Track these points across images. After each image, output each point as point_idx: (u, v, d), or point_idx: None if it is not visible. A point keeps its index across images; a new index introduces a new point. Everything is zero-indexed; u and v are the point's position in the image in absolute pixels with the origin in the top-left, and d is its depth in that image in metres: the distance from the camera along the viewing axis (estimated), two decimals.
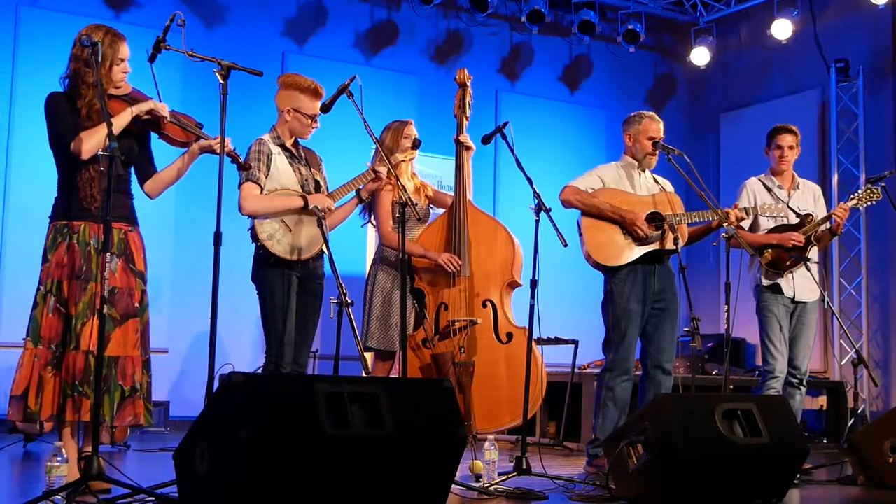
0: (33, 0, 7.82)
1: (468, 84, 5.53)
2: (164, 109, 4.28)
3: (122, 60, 4.25)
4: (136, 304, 4.25)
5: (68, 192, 4.23)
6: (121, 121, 4.18)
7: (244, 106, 6.96)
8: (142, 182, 4.44)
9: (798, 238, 5.72)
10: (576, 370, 7.49)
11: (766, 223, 5.85)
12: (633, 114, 5.62)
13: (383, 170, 4.98)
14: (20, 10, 7.75)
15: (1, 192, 7.59)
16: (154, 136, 4.43)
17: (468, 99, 5.52)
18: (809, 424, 8.65)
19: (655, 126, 5.53)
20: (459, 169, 5.46)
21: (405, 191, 4.85)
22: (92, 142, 4.10)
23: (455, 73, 5.59)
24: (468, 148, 5.47)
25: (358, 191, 5.03)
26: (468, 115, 5.52)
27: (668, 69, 10.94)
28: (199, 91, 6.80)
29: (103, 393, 4.05)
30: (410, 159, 5.40)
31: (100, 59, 4.04)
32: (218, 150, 4.16)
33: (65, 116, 4.18)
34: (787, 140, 5.94)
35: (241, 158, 4.45)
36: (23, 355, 4.15)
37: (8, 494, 4.49)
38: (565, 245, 4.88)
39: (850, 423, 7.74)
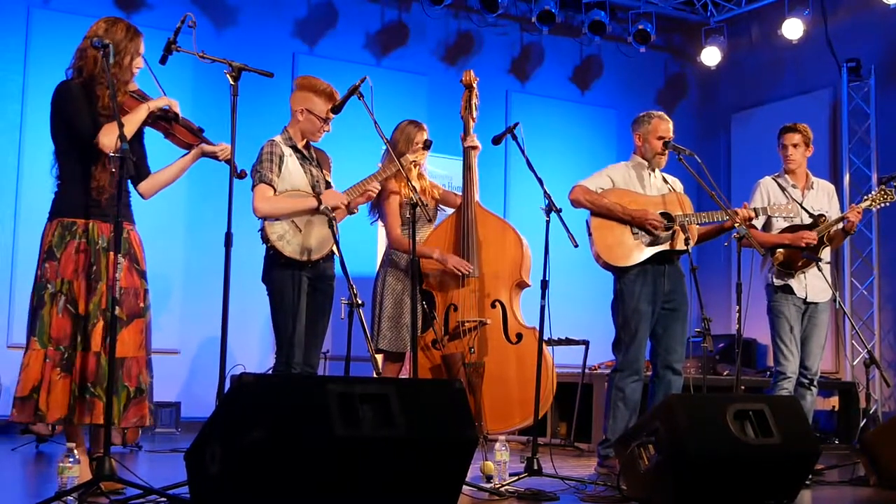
0: (45, 2, 7.86)
1: (474, 85, 5.53)
2: (177, 106, 4.25)
3: (139, 55, 4.20)
4: (141, 304, 4.20)
5: (77, 187, 4.13)
6: (137, 117, 4.12)
7: (255, 107, 6.99)
8: (136, 182, 4.34)
9: (811, 237, 5.70)
10: (586, 371, 7.49)
11: (779, 223, 5.83)
12: (642, 114, 5.61)
13: (374, 188, 4.97)
14: (32, 11, 7.79)
15: (13, 193, 7.63)
16: (150, 136, 4.38)
17: (474, 100, 5.53)
18: (821, 425, 8.63)
19: (665, 125, 5.52)
20: (468, 170, 5.47)
21: (416, 192, 4.84)
22: (114, 135, 3.94)
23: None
24: (474, 147, 5.48)
25: (348, 204, 4.96)
26: (475, 116, 5.52)
27: (679, 69, 10.92)
28: (209, 92, 6.82)
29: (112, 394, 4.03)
30: (421, 160, 5.40)
31: (111, 61, 3.99)
32: (219, 157, 4.16)
33: (82, 107, 4.09)
34: (792, 139, 5.92)
35: (238, 169, 4.29)
36: (28, 356, 4.05)
37: (21, 495, 4.51)
38: (576, 245, 4.88)
39: (861, 424, 7.71)
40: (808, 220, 5.82)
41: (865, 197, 5.93)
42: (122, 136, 3.76)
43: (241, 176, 4.43)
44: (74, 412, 4.01)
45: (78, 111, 4.10)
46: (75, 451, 3.61)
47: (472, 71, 5.56)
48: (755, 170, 6.72)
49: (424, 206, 4.90)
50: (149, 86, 4.29)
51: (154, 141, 4.40)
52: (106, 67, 3.95)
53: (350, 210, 4.96)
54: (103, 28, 4.13)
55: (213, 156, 4.26)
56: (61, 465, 3.56)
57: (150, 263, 4.35)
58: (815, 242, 5.72)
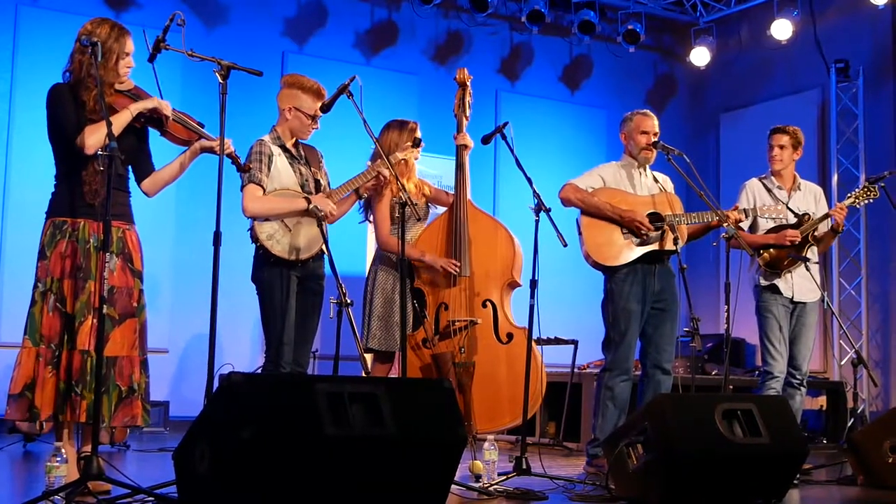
0: (33, 0, 7.82)
1: (468, 83, 5.53)
2: (167, 108, 4.25)
3: (127, 55, 4.22)
4: (135, 304, 4.22)
5: (69, 186, 4.17)
6: (121, 120, 4.13)
7: (244, 106, 6.97)
8: (139, 180, 4.39)
9: (794, 234, 5.72)
10: (575, 370, 7.49)
11: (766, 224, 5.85)
12: (626, 113, 5.64)
13: (386, 171, 4.98)
14: (20, 9, 7.75)
15: (1, 191, 7.59)
16: (153, 134, 4.41)
17: (468, 98, 5.52)
18: (809, 424, 8.65)
19: (648, 121, 5.53)
20: (459, 168, 5.47)
21: (405, 191, 4.83)
22: (96, 136, 4.03)
23: (455, 73, 5.60)
24: (466, 146, 5.48)
25: (357, 189, 5.02)
26: (468, 114, 5.52)
27: (669, 69, 10.94)
28: (198, 91, 6.79)
29: (102, 393, 4.03)
30: (415, 158, 5.38)
31: (99, 59, 4.00)
32: (219, 151, 4.14)
33: (69, 109, 4.12)
34: (779, 140, 5.95)
35: (241, 160, 4.42)
36: (20, 353, 4.10)
37: (8, 494, 4.49)
38: (565, 245, 4.88)
39: (849, 424, 7.74)
40: (793, 220, 5.83)
41: (850, 194, 5.96)
42: (110, 135, 3.76)
43: (246, 168, 4.50)
44: (63, 410, 4.03)
45: (65, 112, 4.13)
46: (63, 451, 3.60)
47: (465, 69, 5.56)
48: (744, 170, 6.74)
49: (414, 205, 4.89)
50: (148, 84, 4.29)
51: (159, 138, 4.41)
52: (94, 65, 3.97)
53: (359, 195, 5.05)
54: (88, 29, 4.16)
55: (212, 150, 4.27)
56: (49, 464, 3.55)
57: None
58: (799, 240, 5.74)
